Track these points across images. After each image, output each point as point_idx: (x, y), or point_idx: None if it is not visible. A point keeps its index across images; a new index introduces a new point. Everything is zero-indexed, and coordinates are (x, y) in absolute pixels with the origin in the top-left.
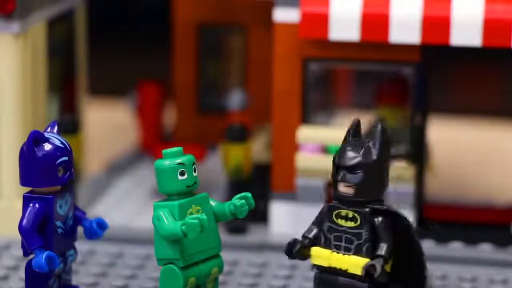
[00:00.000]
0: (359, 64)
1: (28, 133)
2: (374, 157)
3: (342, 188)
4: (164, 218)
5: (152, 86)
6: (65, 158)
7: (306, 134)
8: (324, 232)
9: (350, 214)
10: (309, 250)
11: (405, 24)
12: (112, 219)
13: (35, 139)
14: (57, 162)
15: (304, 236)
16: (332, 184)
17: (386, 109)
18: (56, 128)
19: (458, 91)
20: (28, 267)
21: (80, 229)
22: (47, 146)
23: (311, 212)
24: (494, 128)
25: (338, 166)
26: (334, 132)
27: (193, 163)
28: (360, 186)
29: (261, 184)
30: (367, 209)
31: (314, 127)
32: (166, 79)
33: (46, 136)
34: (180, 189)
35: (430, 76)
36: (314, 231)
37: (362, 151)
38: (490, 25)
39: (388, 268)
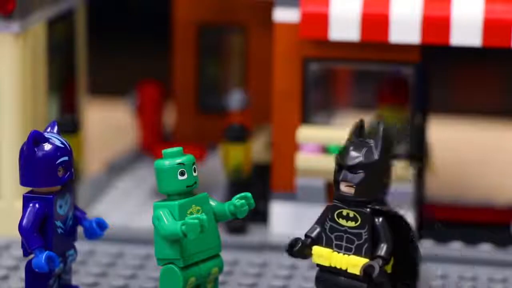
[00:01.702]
0: (359, 64)
1: (28, 133)
2: (376, 157)
3: (343, 188)
4: (164, 218)
5: (152, 86)
6: (65, 158)
7: (306, 134)
8: (326, 232)
9: (351, 214)
10: (311, 249)
11: (405, 24)
12: (112, 219)
13: (35, 139)
14: (57, 162)
15: (306, 235)
16: (334, 184)
17: (387, 109)
18: (56, 128)
19: (458, 91)
20: (28, 267)
21: (80, 229)
22: (47, 146)
23: (311, 212)
24: (494, 128)
25: (339, 165)
26: (334, 132)
27: (193, 163)
28: (361, 186)
29: (261, 184)
30: (367, 210)
31: (314, 127)
32: (166, 79)
33: (46, 136)
34: (180, 189)
35: (430, 76)
36: (317, 230)
37: (364, 151)
38: (490, 25)
39: (388, 268)
